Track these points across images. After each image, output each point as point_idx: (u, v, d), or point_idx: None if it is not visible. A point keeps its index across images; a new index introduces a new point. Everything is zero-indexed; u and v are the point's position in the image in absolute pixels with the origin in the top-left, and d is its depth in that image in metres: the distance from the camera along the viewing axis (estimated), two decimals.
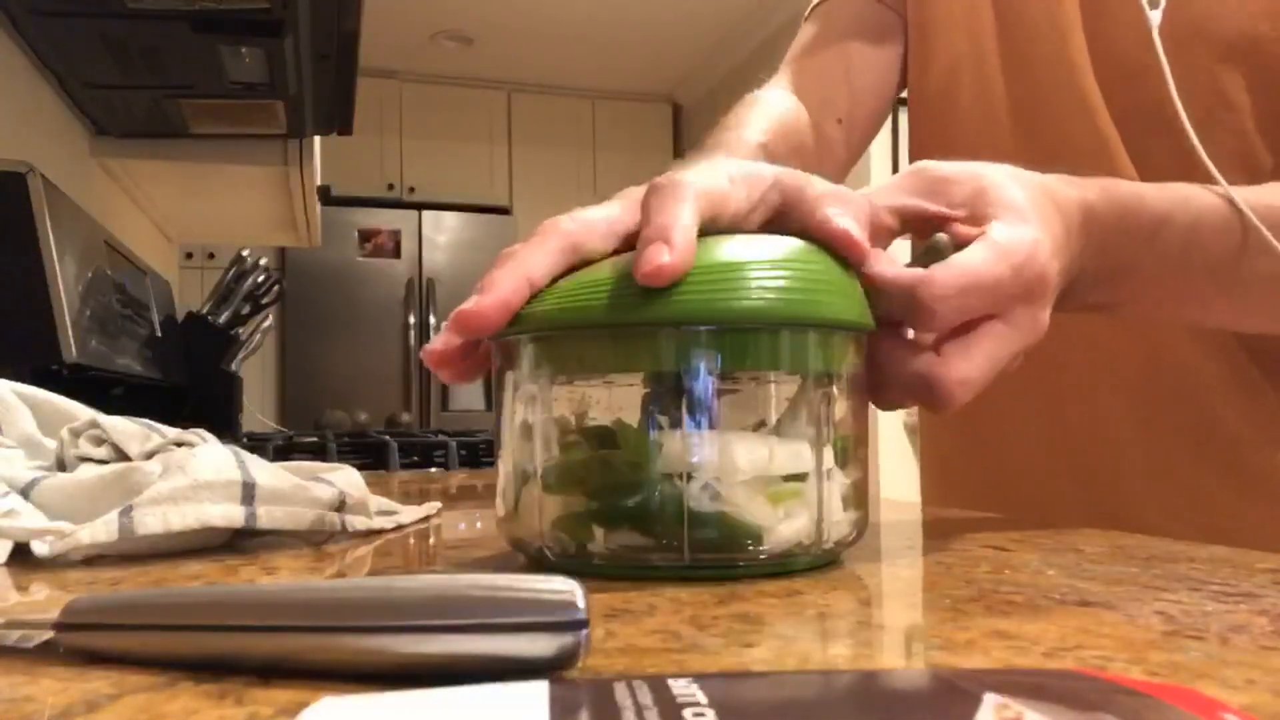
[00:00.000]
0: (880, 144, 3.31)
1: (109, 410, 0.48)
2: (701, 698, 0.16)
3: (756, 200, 0.36)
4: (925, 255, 0.38)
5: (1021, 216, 0.39)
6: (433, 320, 4.06)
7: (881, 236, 0.39)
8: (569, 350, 0.34)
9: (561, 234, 0.34)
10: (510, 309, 0.32)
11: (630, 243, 0.34)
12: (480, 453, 1.16)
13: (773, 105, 0.65)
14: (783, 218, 0.36)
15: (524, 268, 0.33)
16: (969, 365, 0.37)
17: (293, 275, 3.84)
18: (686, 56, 4.03)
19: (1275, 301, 0.51)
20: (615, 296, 0.31)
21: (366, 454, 1.10)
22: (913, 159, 0.73)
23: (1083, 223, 0.42)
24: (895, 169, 3.29)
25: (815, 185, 0.36)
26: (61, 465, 0.45)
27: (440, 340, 0.35)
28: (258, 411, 3.48)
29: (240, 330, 1.97)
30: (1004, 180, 0.40)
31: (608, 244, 0.35)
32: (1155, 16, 0.53)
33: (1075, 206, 0.42)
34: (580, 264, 0.34)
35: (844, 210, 0.35)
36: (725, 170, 0.36)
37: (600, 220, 0.35)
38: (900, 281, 0.36)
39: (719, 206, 0.34)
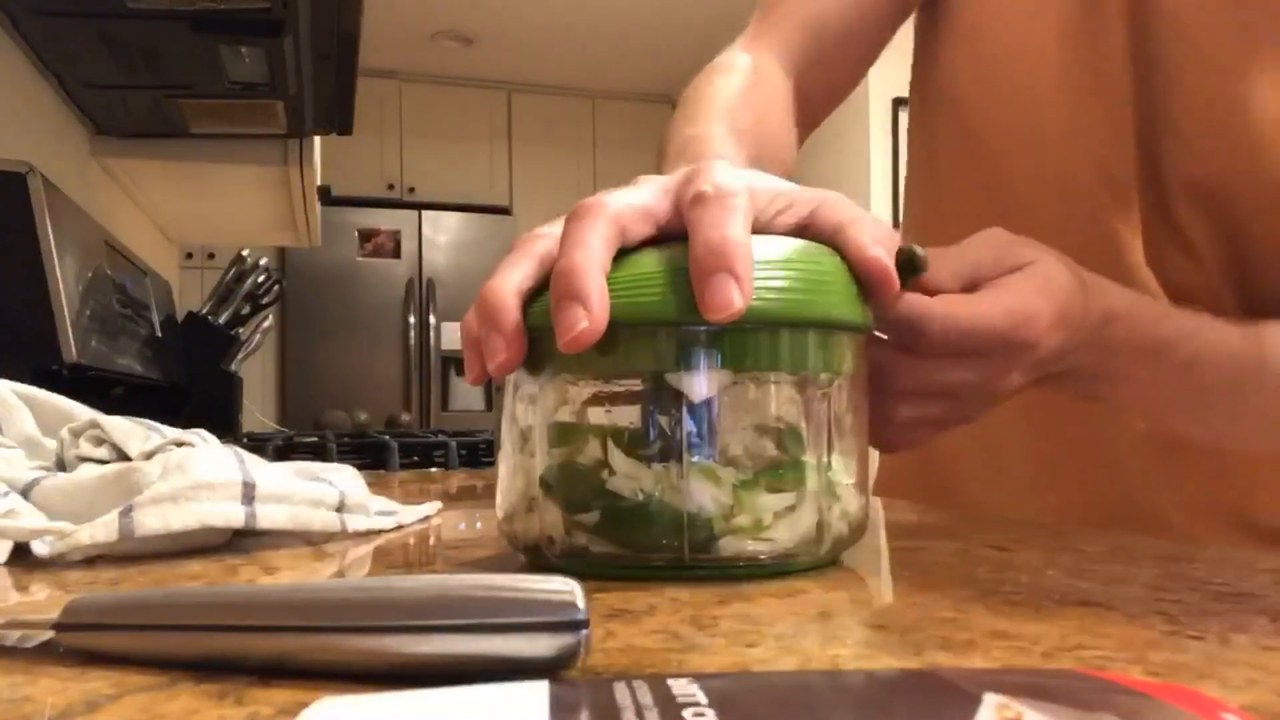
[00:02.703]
0: (880, 144, 3.31)
1: (109, 410, 0.48)
2: (701, 698, 0.16)
3: (772, 213, 0.36)
4: (900, 268, 0.38)
5: (1041, 288, 0.42)
6: (432, 320, 4.06)
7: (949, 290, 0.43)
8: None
9: (611, 218, 0.33)
10: (609, 310, 0.31)
11: (663, 230, 0.34)
12: (480, 453, 1.16)
13: (748, 101, 0.63)
14: (805, 234, 0.36)
15: (595, 261, 0.31)
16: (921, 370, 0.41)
17: (293, 275, 3.84)
18: (686, 56, 4.03)
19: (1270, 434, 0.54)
20: (616, 297, 0.31)
21: (366, 454, 1.10)
22: (918, 150, 0.73)
23: (1101, 324, 0.44)
24: (895, 169, 3.29)
25: (844, 208, 0.36)
26: (61, 465, 0.45)
27: (503, 354, 0.33)
28: (258, 411, 3.48)
29: (240, 330, 1.97)
30: (1047, 257, 0.44)
31: (648, 231, 0.34)
32: None
33: (1103, 308, 0.44)
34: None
35: (878, 239, 0.35)
36: (737, 179, 0.34)
37: (640, 206, 0.34)
38: (910, 311, 0.40)
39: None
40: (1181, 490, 0.59)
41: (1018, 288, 0.42)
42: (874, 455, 0.46)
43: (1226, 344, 0.49)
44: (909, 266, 0.37)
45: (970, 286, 0.42)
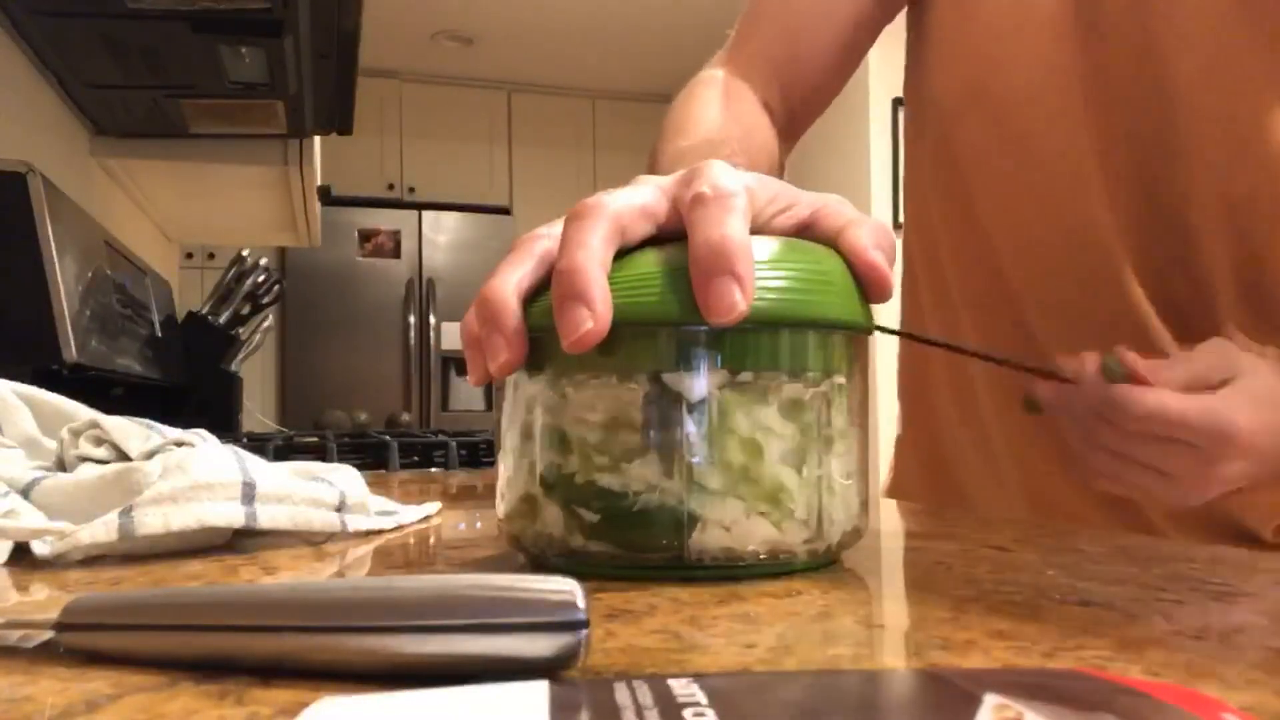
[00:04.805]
0: (880, 144, 3.31)
1: (109, 410, 0.48)
2: (701, 698, 0.16)
3: (771, 214, 0.36)
4: (1102, 371, 0.50)
5: (1248, 397, 0.48)
6: (432, 320, 4.06)
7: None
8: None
9: (611, 218, 0.32)
10: (611, 311, 0.31)
11: (662, 229, 0.34)
12: (480, 453, 1.16)
13: (732, 114, 0.62)
14: (805, 236, 0.36)
15: (597, 261, 0.31)
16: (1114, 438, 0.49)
17: (293, 275, 3.84)
18: (686, 56, 4.03)
19: None
20: (617, 297, 0.31)
21: (366, 454, 1.10)
22: (909, 152, 0.72)
23: None
24: (895, 169, 3.29)
25: (845, 210, 0.36)
26: (61, 465, 0.45)
27: (505, 354, 0.33)
28: (258, 411, 3.48)
29: (240, 330, 1.97)
30: (1266, 369, 0.49)
31: (648, 230, 0.34)
32: None
33: None
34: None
35: (878, 243, 0.35)
36: (738, 181, 0.34)
37: (639, 205, 0.33)
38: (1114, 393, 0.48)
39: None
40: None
41: (1224, 394, 0.47)
42: (879, 458, 0.48)
43: None
44: (1107, 375, 0.48)
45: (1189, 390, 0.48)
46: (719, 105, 0.62)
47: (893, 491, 0.76)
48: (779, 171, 0.65)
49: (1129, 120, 0.56)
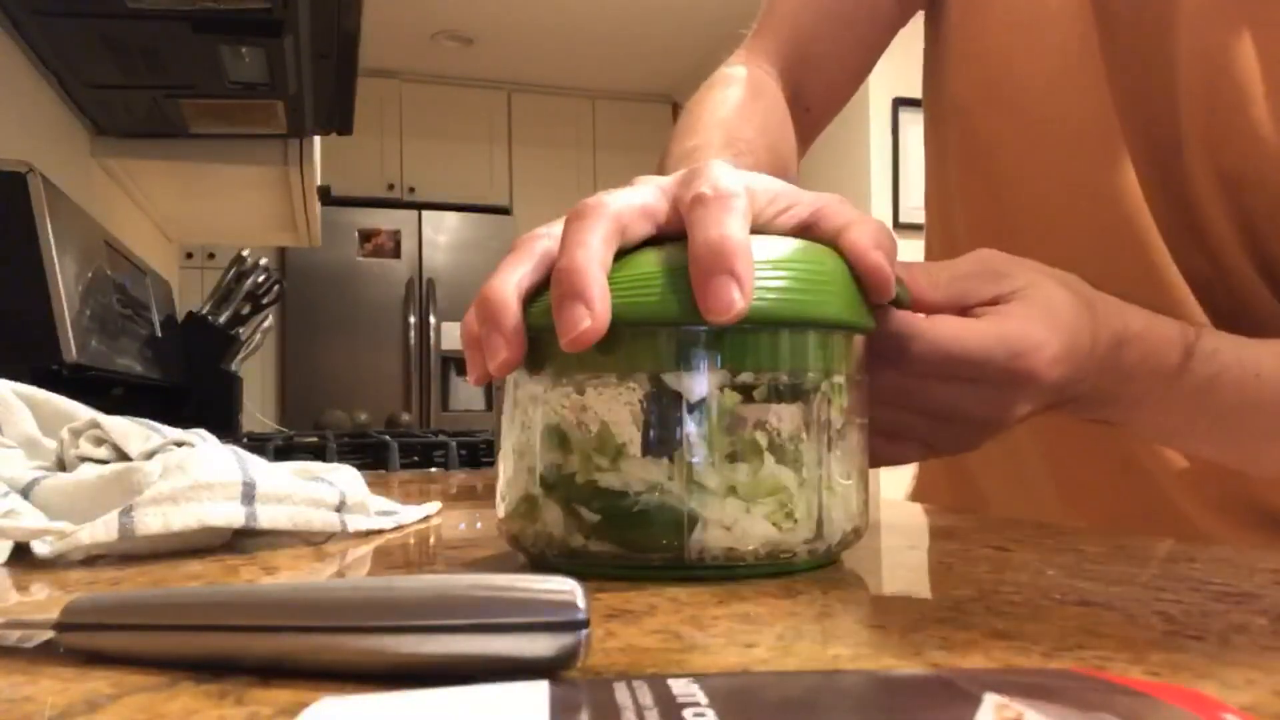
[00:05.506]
0: (880, 144, 3.31)
1: (109, 410, 0.48)
2: (701, 698, 0.16)
3: (771, 214, 0.36)
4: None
5: (1043, 316, 0.40)
6: (432, 320, 4.06)
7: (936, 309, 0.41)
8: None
9: (612, 217, 0.32)
10: (610, 310, 0.31)
11: (662, 230, 0.34)
12: (480, 453, 1.16)
13: (747, 112, 0.62)
14: (805, 235, 0.36)
15: (597, 261, 0.31)
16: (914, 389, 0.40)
17: (293, 275, 3.84)
18: (686, 56, 4.03)
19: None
20: (617, 297, 0.31)
21: (366, 454, 1.10)
22: (931, 156, 0.72)
23: (1113, 348, 0.43)
24: (895, 169, 3.29)
25: (845, 210, 0.36)
26: (62, 465, 0.45)
27: (504, 353, 0.33)
28: (258, 411, 3.48)
29: (240, 330, 1.97)
30: (1047, 281, 0.42)
31: (648, 230, 0.34)
32: None
33: (1112, 332, 0.43)
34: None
35: (879, 242, 0.35)
36: (737, 181, 0.34)
37: (639, 205, 0.33)
38: (895, 327, 0.39)
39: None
40: (1204, 491, 0.58)
41: (1019, 315, 0.40)
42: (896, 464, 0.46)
43: (1256, 363, 0.47)
44: (894, 302, 0.37)
45: (957, 301, 0.41)
46: (733, 104, 0.62)
47: (916, 497, 0.76)
48: (794, 170, 0.65)
49: (1141, 101, 0.57)
